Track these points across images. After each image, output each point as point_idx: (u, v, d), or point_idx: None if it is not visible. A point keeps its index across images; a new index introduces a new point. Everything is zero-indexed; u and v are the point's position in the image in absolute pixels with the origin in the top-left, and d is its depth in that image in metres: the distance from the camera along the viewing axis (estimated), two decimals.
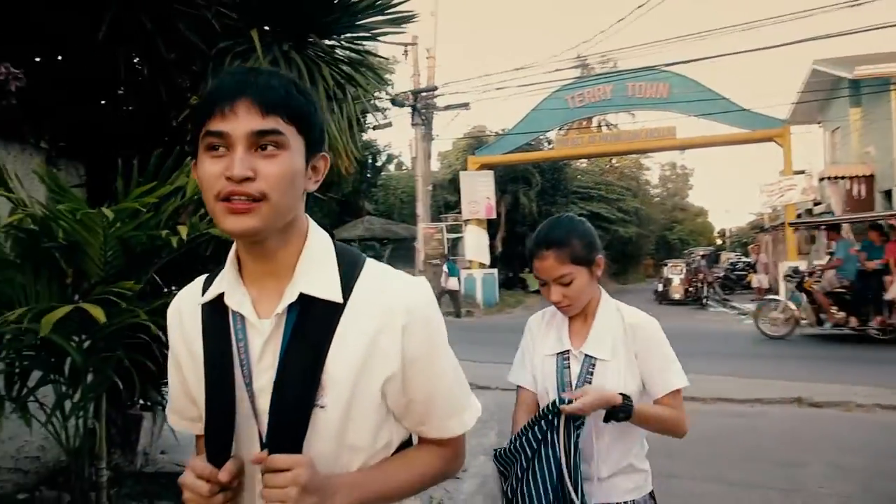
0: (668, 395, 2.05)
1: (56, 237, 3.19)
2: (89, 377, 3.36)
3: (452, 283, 20.17)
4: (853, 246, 12.68)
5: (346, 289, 1.19)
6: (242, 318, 1.21)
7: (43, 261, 3.31)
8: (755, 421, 7.10)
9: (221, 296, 1.22)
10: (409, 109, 22.99)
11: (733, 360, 10.80)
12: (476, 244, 22.85)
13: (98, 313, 2.69)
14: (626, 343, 2.07)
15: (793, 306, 12.80)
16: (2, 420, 3.46)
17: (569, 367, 2.11)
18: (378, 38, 4.95)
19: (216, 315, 1.23)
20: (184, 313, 1.31)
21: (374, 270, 1.25)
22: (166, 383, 4.77)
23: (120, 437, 4.72)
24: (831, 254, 13.06)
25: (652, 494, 2.14)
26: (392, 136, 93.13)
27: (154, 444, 5.11)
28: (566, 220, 2.14)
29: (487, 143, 26.05)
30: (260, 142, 1.11)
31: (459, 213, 24.10)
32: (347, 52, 4.91)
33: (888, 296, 11.42)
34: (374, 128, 25.73)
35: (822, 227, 14.57)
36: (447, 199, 29.05)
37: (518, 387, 2.25)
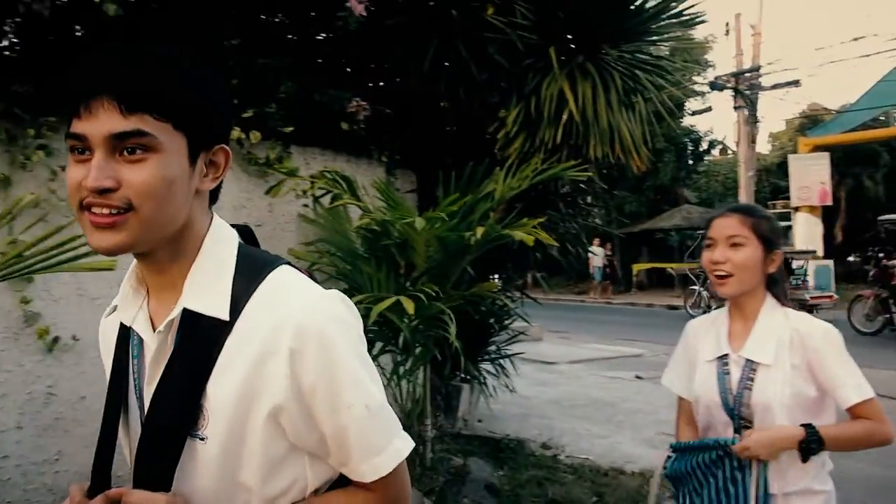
0: (856, 406, 1.88)
1: (392, 236, 3.99)
2: (417, 350, 4.13)
3: None
4: None
5: (238, 304, 1.03)
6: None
7: (383, 255, 4.16)
8: None
9: None
10: (731, 91, 21.97)
11: None
12: (807, 233, 21.05)
13: (409, 306, 3.38)
14: (791, 349, 1.93)
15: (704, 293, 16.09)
16: None
17: (729, 372, 2.01)
18: (667, 41, 5.15)
19: (123, 328, 1.12)
20: (106, 325, 1.20)
21: (276, 283, 1.05)
22: (483, 360, 5.52)
23: (443, 403, 5.56)
24: None
25: None
26: (715, 119, 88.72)
27: (472, 412, 5.89)
28: (762, 208, 2.08)
29: (822, 122, 23.77)
30: (123, 145, 0.94)
31: (789, 199, 22.40)
32: (639, 56, 5.18)
33: None
34: (693, 113, 25.12)
35: None
36: (778, 185, 27.00)
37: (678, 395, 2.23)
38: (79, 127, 0.94)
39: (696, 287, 16.71)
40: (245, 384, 1.00)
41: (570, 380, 8.70)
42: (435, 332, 4.10)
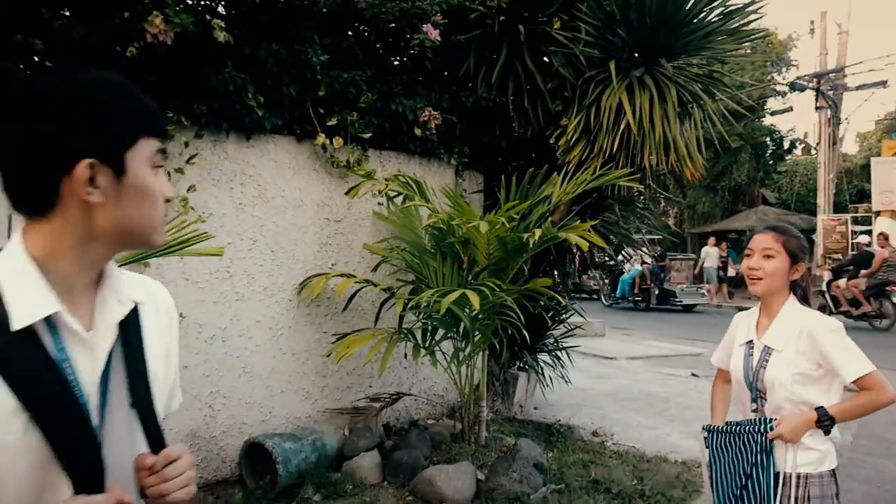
0: (858, 380, 2.30)
1: (456, 235, 4.43)
2: (476, 337, 4.57)
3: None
4: None
5: None
6: (57, 333, 1.02)
7: (448, 251, 4.61)
8: None
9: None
10: (813, 91, 21.52)
11: None
12: None
13: (474, 299, 3.81)
14: (799, 338, 2.37)
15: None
16: (419, 362, 4.89)
17: (752, 354, 2.49)
18: (722, 57, 5.41)
19: (15, 342, 0.98)
20: None
21: (119, 269, 1.18)
22: (540, 350, 5.90)
23: (501, 389, 5.98)
24: None
25: (833, 473, 2.39)
26: (798, 119, 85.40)
27: (528, 399, 6.29)
28: (794, 228, 2.54)
29: None
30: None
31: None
32: (695, 69, 5.46)
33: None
34: (772, 113, 24.65)
35: None
36: (863, 188, 26.13)
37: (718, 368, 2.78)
38: (161, 145, 1.13)
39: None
40: (165, 355, 1.22)
41: (626, 374, 8.96)
42: (493, 321, 4.53)
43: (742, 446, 2.44)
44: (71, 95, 1.01)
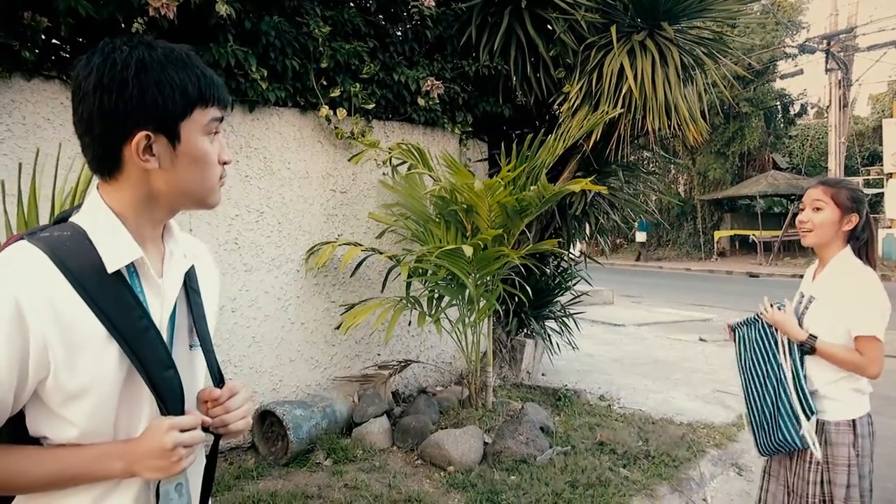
0: (856, 337, 2.41)
1: (458, 202, 4.47)
2: (481, 304, 4.63)
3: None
4: None
5: None
6: (137, 278, 1.17)
7: (451, 219, 4.65)
8: None
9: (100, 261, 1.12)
10: (823, 53, 21.24)
11: None
12: None
13: (468, 249, 3.88)
14: (840, 290, 2.47)
15: None
16: (426, 330, 4.96)
17: (801, 302, 2.66)
18: (724, 20, 5.38)
19: (107, 283, 1.12)
20: (56, 298, 1.07)
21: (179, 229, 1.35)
22: (546, 317, 5.97)
23: (508, 356, 6.06)
24: None
25: (852, 423, 2.50)
26: (809, 82, 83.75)
27: (535, 366, 6.37)
28: (849, 180, 2.63)
29: None
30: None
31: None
32: (698, 32, 5.44)
33: None
34: (782, 77, 24.37)
35: None
36: (876, 150, 25.87)
37: None
38: (220, 112, 1.20)
39: None
40: (211, 307, 1.35)
41: (635, 340, 9.03)
42: (497, 287, 4.59)
43: (759, 335, 2.71)
44: (134, 71, 1.09)
